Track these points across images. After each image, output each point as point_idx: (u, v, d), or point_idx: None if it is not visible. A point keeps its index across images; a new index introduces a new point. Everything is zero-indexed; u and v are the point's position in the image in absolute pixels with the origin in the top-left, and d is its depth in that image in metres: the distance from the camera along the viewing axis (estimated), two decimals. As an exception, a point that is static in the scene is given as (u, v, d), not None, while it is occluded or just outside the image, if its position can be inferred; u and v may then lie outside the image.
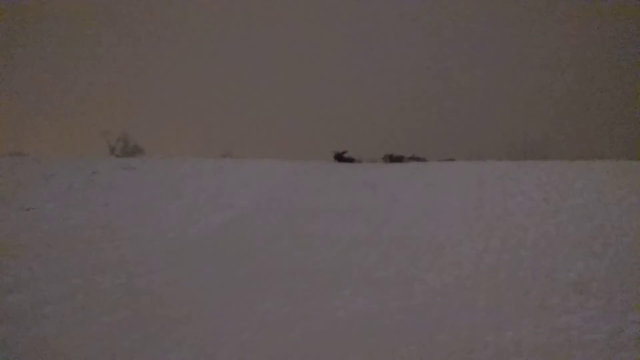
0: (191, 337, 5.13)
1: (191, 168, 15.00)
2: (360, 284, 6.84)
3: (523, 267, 7.49)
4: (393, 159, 18.23)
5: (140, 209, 10.88)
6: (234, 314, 5.76)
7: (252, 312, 5.80)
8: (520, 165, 14.63)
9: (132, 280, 6.87)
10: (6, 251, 7.84)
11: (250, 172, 14.91)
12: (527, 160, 15.77)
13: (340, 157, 17.87)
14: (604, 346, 4.83)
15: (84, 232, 9.14)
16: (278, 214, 11.07)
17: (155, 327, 5.39)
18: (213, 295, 6.40)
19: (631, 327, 5.25)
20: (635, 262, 7.55)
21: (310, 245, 8.84)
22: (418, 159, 18.05)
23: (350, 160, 17.88)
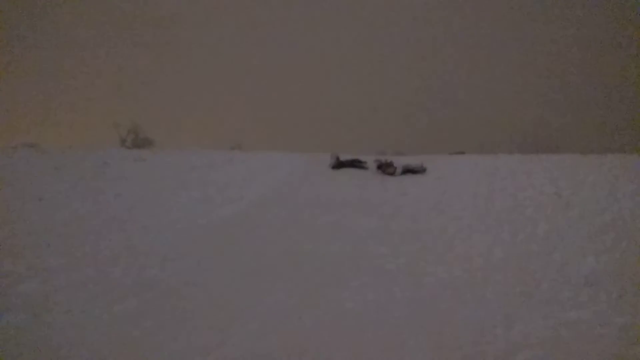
0: (201, 326, 5.16)
1: (201, 160, 15.05)
2: (369, 275, 6.84)
3: (533, 261, 7.45)
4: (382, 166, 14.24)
5: (151, 200, 10.94)
6: (243, 304, 5.79)
7: (261, 302, 5.83)
8: (532, 159, 14.53)
9: (143, 271, 6.92)
10: (18, 241, 7.92)
11: (260, 165, 14.94)
12: (539, 154, 15.66)
13: (341, 163, 14.62)
14: (614, 340, 4.80)
15: (95, 223, 9.21)
16: (287, 205, 11.08)
17: (166, 316, 5.43)
18: (222, 285, 6.43)
19: (642, 321, 5.21)
20: (647, 257, 7.48)
21: (319, 237, 8.84)
22: (413, 171, 13.92)
23: (355, 163, 14.57)
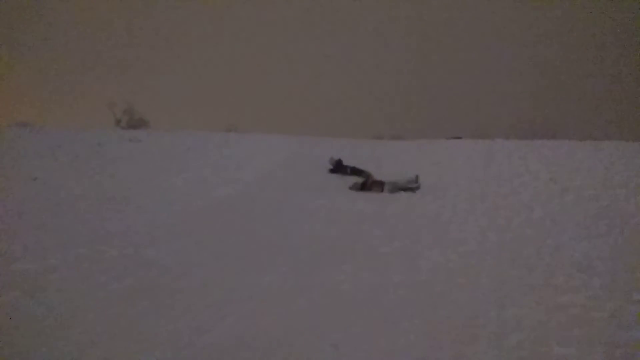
0: (196, 307, 5.18)
1: (196, 142, 14.99)
2: (364, 258, 6.86)
3: (527, 246, 7.49)
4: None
5: (146, 181, 10.91)
6: (238, 285, 5.80)
7: (256, 283, 5.85)
8: (528, 145, 14.54)
9: (139, 250, 6.91)
10: (13, 220, 7.89)
11: (256, 147, 14.90)
12: (535, 140, 15.66)
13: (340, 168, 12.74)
14: (606, 324, 4.84)
15: (90, 203, 9.18)
16: (283, 188, 11.08)
17: (161, 296, 5.44)
18: (217, 267, 6.44)
19: (634, 306, 5.26)
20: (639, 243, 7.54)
21: (315, 220, 8.86)
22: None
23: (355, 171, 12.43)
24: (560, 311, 5.14)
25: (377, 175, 11.87)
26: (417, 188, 10.95)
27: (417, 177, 11.19)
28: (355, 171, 12.41)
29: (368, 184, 11.25)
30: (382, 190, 11.05)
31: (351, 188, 11.15)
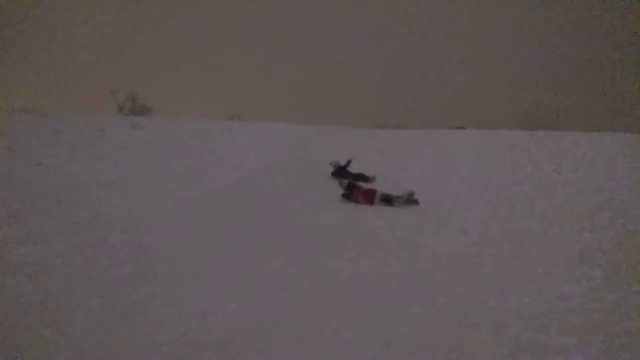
0: (197, 293, 5.20)
1: (199, 129, 14.95)
2: (366, 247, 6.87)
3: (529, 236, 7.49)
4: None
5: (149, 168, 10.91)
6: (239, 272, 5.82)
7: (257, 271, 5.86)
8: (532, 135, 14.51)
9: (140, 237, 6.93)
10: (16, 205, 7.90)
11: (258, 135, 14.87)
12: (539, 131, 15.61)
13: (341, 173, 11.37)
14: (606, 315, 4.84)
15: (93, 189, 9.19)
16: (285, 176, 11.07)
17: (162, 282, 5.47)
18: (219, 254, 6.46)
19: (635, 297, 5.26)
20: (642, 235, 7.52)
21: (317, 208, 8.86)
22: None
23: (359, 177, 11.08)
24: (561, 301, 5.15)
25: (379, 171, 11.73)
26: (415, 203, 9.46)
27: (413, 192, 9.53)
28: (359, 178, 10.99)
29: (354, 194, 9.68)
30: (372, 203, 9.50)
31: (343, 195, 9.79)
